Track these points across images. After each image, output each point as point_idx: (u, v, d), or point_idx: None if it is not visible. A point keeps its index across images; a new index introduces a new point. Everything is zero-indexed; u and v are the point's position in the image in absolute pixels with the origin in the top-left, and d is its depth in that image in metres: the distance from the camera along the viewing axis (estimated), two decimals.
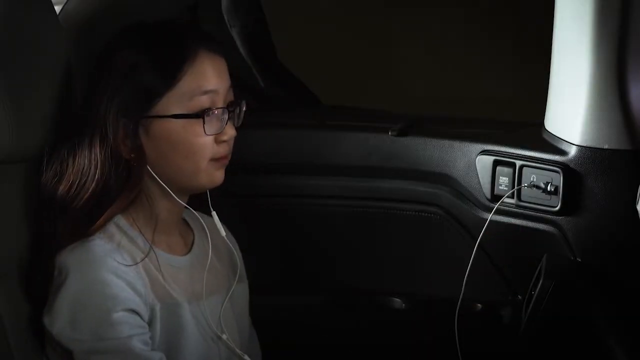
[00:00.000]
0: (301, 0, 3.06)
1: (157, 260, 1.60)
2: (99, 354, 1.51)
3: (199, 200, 1.68)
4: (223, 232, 1.72)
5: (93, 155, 1.56)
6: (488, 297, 1.98)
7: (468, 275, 1.86)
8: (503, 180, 1.89)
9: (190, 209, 1.67)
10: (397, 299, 2.07)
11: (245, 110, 1.66)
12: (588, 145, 1.78)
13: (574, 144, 1.79)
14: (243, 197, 2.09)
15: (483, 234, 1.87)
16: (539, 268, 1.82)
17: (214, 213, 1.71)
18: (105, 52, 1.59)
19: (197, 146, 1.58)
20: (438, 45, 3.04)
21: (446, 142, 1.97)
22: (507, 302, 1.97)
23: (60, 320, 1.51)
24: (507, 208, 1.89)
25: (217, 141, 1.60)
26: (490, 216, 1.88)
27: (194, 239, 1.72)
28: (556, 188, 1.81)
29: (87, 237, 1.54)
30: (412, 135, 2.00)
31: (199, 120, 1.57)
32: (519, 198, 1.87)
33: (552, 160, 1.82)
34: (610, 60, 1.73)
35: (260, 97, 2.36)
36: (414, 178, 2.01)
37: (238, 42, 2.34)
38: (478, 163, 1.92)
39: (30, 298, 1.57)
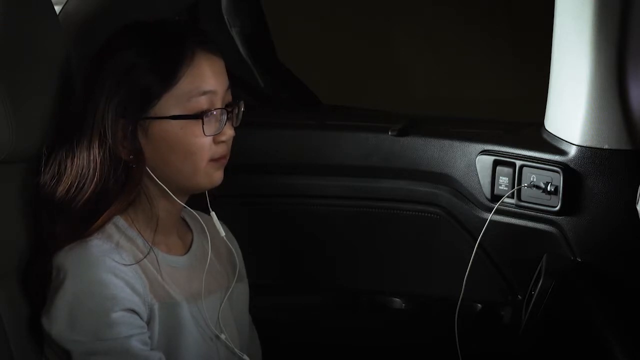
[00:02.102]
0: (301, 0, 3.06)
1: (156, 260, 1.60)
2: (98, 355, 1.51)
3: (198, 200, 1.68)
4: (222, 232, 1.72)
5: (92, 157, 1.56)
6: (488, 297, 1.98)
7: (468, 275, 1.86)
8: (503, 180, 1.89)
9: (189, 209, 1.67)
10: (397, 299, 2.07)
11: (243, 111, 1.66)
12: (588, 145, 1.78)
13: (574, 144, 1.79)
14: (243, 197, 2.09)
15: (483, 234, 1.87)
16: (539, 268, 1.82)
17: (212, 213, 1.71)
18: (103, 52, 1.59)
19: (195, 147, 1.58)
20: (438, 45, 3.04)
21: (446, 142, 1.97)
22: (507, 302, 1.97)
23: (59, 322, 1.51)
24: (507, 208, 1.89)
25: (216, 142, 1.60)
26: (490, 216, 1.88)
27: (192, 239, 1.72)
28: (556, 188, 1.81)
29: (85, 238, 1.54)
30: (412, 135, 2.00)
31: (197, 121, 1.57)
32: (519, 198, 1.87)
33: (552, 160, 1.82)
34: (610, 60, 1.73)
35: (260, 97, 2.36)
36: (414, 178, 2.01)
37: (238, 42, 2.34)
38: (478, 163, 1.92)
39: (30, 298, 1.57)
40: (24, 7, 1.57)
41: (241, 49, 2.35)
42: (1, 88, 1.50)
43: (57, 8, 1.74)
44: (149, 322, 1.56)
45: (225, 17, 2.35)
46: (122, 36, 1.60)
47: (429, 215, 2.02)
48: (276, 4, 2.64)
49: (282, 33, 2.48)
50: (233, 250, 1.76)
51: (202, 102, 1.58)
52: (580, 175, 1.79)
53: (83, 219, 1.55)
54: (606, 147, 1.76)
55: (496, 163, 1.89)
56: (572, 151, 1.80)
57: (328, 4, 3.07)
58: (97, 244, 1.54)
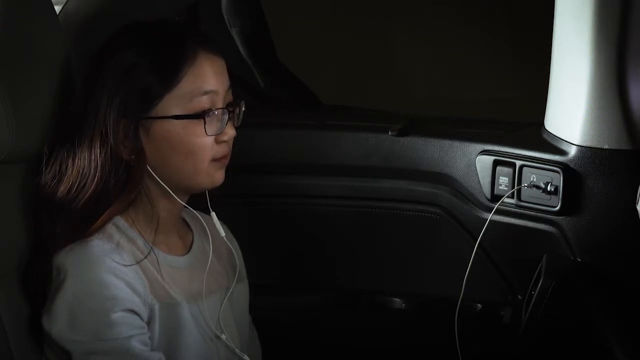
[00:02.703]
0: (301, 0, 3.06)
1: (157, 261, 1.60)
2: (98, 355, 1.50)
3: (198, 200, 1.68)
4: (222, 232, 1.72)
5: (93, 157, 1.56)
6: (488, 297, 1.98)
7: (468, 275, 1.86)
8: (503, 180, 1.89)
9: (190, 208, 1.67)
10: (397, 299, 2.07)
11: (244, 111, 1.66)
12: (588, 145, 1.78)
13: (574, 144, 1.79)
14: (243, 197, 2.09)
15: (483, 234, 1.87)
16: (539, 268, 1.82)
17: (213, 213, 1.71)
18: (104, 51, 1.59)
19: (197, 146, 1.58)
20: (438, 45, 3.04)
21: (446, 142, 1.97)
22: (507, 302, 1.97)
23: (59, 322, 1.51)
24: (507, 208, 1.89)
25: (217, 141, 1.60)
26: (490, 216, 1.88)
27: (193, 239, 1.72)
28: (556, 188, 1.81)
29: (86, 238, 1.54)
30: (412, 135, 2.00)
31: (199, 121, 1.57)
32: (519, 198, 1.87)
33: (552, 160, 1.82)
34: (610, 60, 1.73)
35: (260, 97, 2.36)
36: (414, 178, 2.01)
37: (238, 42, 2.34)
38: (478, 163, 1.92)
39: (30, 298, 1.57)
40: (24, 7, 1.57)
41: (241, 49, 2.35)
42: (1, 88, 1.50)
43: (57, 8, 1.74)
44: (149, 323, 1.56)
45: (225, 17, 2.35)
46: (122, 36, 1.60)
47: (429, 215, 2.02)
48: (276, 4, 2.64)
49: (282, 33, 2.48)
50: (233, 250, 1.76)
51: (204, 102, 1.58)
52: (580, 175, 1.79)
53: (83, 219, 1.55)
54: (606, 147, 1.76)
55: (496, 163, 1.89)
56: (572, 151, 1.80)
57: (328, 4, 3.07)
58: (98, 244, 1.54)
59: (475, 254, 1.87)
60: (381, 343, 2.07)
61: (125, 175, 1.58)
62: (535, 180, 1.84)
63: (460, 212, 1.98)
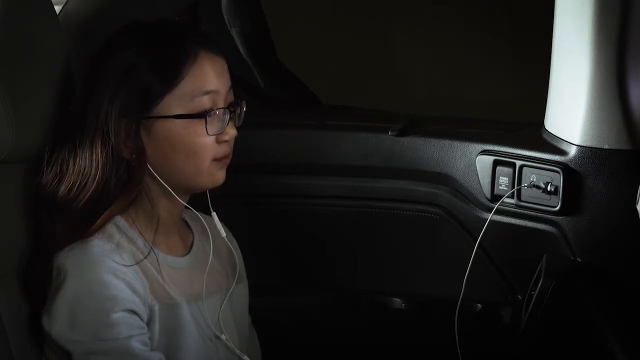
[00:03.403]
0: (301, 0, 3.06)
1: (157, 261, 1.60)
2: (98, 355, 1.51)
3: (199, 200, 1.68)
4: (223, 233, 1.72)
5: (94, 156, 1.56)
6: (488, 297, 1.98)
7: (468, 275, 1.86)
8: (503, 180, 1.89)
9: (191, 208, 1.67)
10: (397, 299, 2.07)
11: (245, 111, 1.66)
12: (588, 145, 1.78)
13: (573, 144, 1.79)
14: (243, 197, 2.09)
15: (483, 234, 1.87)
16: (539, 268, 1.82)
17: (214, 214, 1.71)
18: (103, 52, 1.59)
19: (198, 146, 1.58)
20: (438, 45, 3.04)
21: (446, 142, 1.97)
22: (507, 302, 1.97)
23: (59, 321, 1.51)
24: (507, 208, 1.89)
25: (218, 141, 1.60)
26: (490, 216, 1.88)
27: (193, 240, 1.72)
28: (556, 188, 1.81)
29: (86, 238, 1.54)
30: (412, 135, 2.00)
31: (200, 121, 1.57)
32: (519, 198, 1.87)
33: (552, 160, 1.82)
34: (610, 60, 1.72)
35: (260, 97, 2.36)
36: (414, 178, 2.01)
37: (238, 42, 2.34)
38: (478, 163, 1.92)
39: (30, 298, 1.57)
40: (24, 7, 1.57)
41: (241, 49, 2.35)
42: (1, 88, 1.50)
43: (57, 8, 1.74)
44: (149, 323, 1.56)
45: (225, 17, 2.35)
46: (122, 36, 1.60)
47: (429, 215, 2.02)
48: (276, 4, 2.64)
49: (282, 33, 2.48)
50: (233, 250, 1.76)
51: (205, 102, 1.58)
52: (580, 175, 1.79)
53: (83, 219, 1.56)
54: (606, 147, 1.76)
55: (496, 163, 1.89)
56: (572, 151, 1.80)
57: (328, 4, 3.07)
58: (98, 244, 1.54)
59: (475, 254, 1.87)
60: (381, 343, 2.07)
61: (126, 175, 1.58)
62: (535, 180, 1.84)
63: (460, 212, 1.98)
